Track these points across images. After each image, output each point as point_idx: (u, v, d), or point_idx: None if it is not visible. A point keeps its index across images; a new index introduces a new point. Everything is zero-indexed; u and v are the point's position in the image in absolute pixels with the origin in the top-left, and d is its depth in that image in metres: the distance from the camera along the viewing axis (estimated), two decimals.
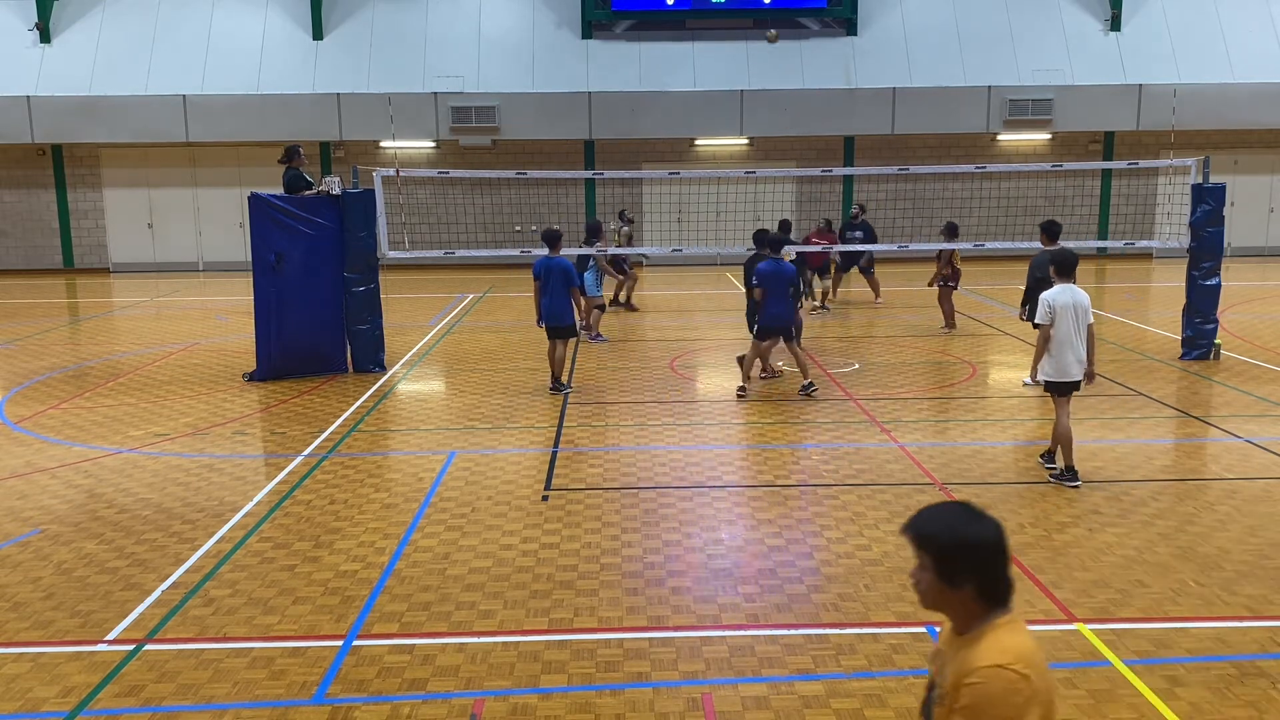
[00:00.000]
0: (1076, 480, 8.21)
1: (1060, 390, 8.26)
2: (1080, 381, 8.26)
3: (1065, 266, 8.29)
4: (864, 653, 5.50)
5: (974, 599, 2.63)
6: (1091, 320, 8.23)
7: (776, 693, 5.12)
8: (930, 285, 15.70)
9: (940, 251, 15.36)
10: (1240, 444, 9.45)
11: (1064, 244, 15.56)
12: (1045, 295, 8.26)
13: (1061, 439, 8.28)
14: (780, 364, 13.05)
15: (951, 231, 15.19)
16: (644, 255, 24.76)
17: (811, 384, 11.43)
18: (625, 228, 19.39)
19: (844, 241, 18.00)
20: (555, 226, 12.58)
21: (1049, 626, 5.78)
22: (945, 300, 15.47)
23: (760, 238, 12.23)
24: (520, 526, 7.44)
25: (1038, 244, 12.01)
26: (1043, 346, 8.22)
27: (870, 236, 18.60)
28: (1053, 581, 6.39)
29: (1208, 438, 9.88)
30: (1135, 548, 6.94)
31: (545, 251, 11.67)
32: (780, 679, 5.25)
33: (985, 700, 2.52)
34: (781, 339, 11.49)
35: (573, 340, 11.91)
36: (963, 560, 2.60)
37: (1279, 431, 9.85)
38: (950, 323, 15.49)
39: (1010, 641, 2.58)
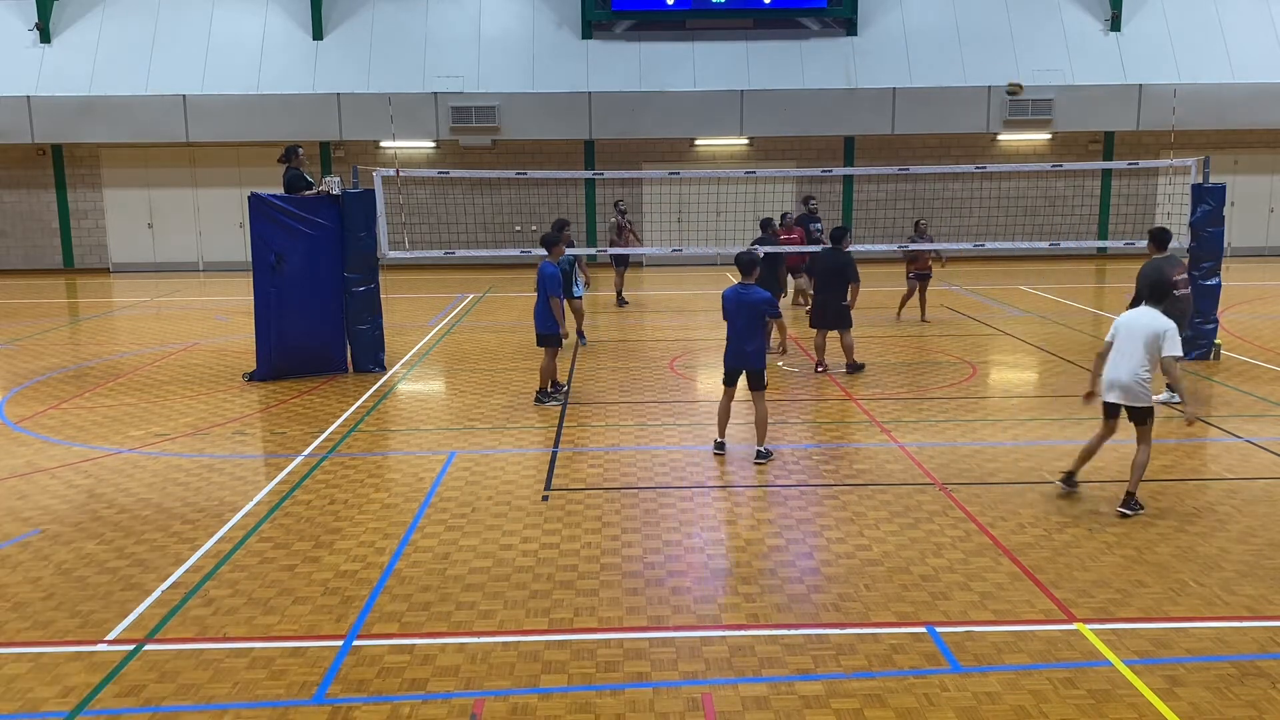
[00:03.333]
0: (1139, 508, 7.61)
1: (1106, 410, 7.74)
2: (1118, 405, 7.59)
3: (1156, 291, 7.65)
4: (864, 653, 5.50)
5: None
6: (1163, 352, 7.37)
7: (776, 693, 5.12)
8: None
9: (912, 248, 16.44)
10: (1240, 444, 9.46)
11: (1063, 244, 15.64)
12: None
13: (1135, 466, 7.61)
14: (781, 363, 13.15)
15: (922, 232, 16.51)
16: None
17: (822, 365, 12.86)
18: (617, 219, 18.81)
19: (809, 234, 16.63)
20: (551, 230, 12.18)
21: (1049, 626, 5.78)
22: (922, 292, 16.70)
23: (838, 233, 12.82)
24: (520, 526, 7.44)
25: (1038, 244, 12.06)
26: (1099, 361, 7.76)
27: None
28: (1053, 581, 6.39)
29: (1208, 438, 9.88)
30: (1135, 548, 6.94)
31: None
32: (780, 679, 5.25)
33: None
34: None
35: (555, 349, 11.09)
36: None
37: (1279, 431, 9.85)
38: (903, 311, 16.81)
39: None
